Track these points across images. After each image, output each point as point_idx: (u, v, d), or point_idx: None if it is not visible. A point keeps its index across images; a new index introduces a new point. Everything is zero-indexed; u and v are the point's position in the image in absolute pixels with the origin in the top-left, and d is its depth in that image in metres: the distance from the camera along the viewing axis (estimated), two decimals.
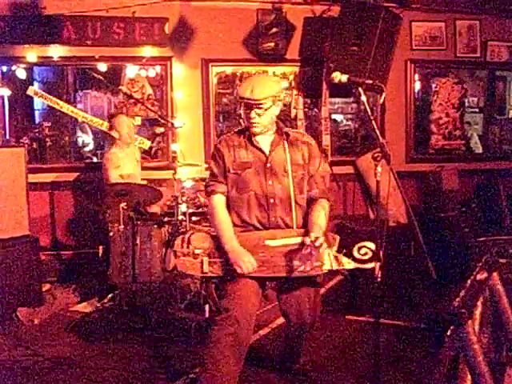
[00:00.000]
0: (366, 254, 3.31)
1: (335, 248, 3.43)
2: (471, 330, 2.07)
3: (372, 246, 3.28)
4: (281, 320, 4.86)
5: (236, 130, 3.64)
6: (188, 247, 3.40)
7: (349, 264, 3.38)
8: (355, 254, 3.34)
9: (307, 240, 3.21)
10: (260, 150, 3.48)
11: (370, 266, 3.26)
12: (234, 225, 3.46)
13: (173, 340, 4.55)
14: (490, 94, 8.33)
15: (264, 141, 3.50)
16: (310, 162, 3.53)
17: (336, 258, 3.38)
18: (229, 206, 3.50)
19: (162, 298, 5.05)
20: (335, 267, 3.39)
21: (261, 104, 3.35)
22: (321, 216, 3.42)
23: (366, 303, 5.06)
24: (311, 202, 3.54)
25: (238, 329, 3.21)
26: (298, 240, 3.33)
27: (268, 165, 3.44)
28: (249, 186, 3.43)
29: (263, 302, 3.53)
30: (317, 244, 3.19)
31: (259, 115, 3.39)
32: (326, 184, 3.66)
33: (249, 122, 3.43)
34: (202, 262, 3.37)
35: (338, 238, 3.48)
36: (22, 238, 5.38)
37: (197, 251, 3.38)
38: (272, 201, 3.41)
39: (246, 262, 3.26)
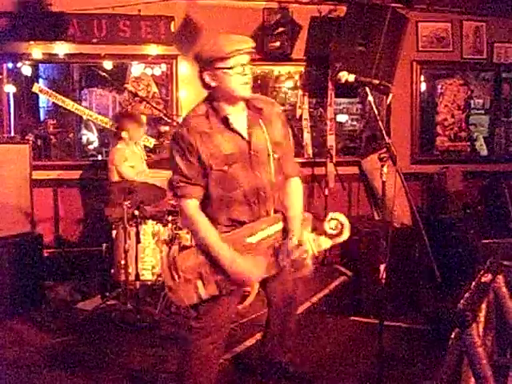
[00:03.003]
0: (336, 227, 3.09)
1: (309, 228, 3.18)
2: (475, 333, 2.06)
3: (341, 216, 3.11)
4: None
5: (198, 110, 2.96)
6: (178, 274, 2.87)
7: (326, 243, 3.12)
8: (327, 229, 3.10)
9: (290, 244, 2.97)
10: (239, 134, 2.93)
11: (342, 239, 3.10)
12: (218, 223, 2.97)
13: (176, 339, 4.55)
14: (496, 96, 8.29)
15: (239, 121, 2.94)
16: (285, 136, 3.13)
17: (314, 240, 3.11)
18: (212, 206, 2.97)
19: (165, 296, 5.04)
20: (316, 251, 3.10)
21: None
22: (299, 203, 3.11)
23: (369, 304, 5.03)
24: (285, 181, 3.16)
25: (219, 334, 3.08)
26: (277, 227, 3.04)
27: (252, 152, 2.93)
28: (237, 182, 2.92)
29: (262, 305, 3.36)
30: (299, 254, 2.97)
31: None
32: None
33: (243, 83, 2.87)
34: (196, 287, 2.88)
35: (310, 216, 3.23)
36: (25, 235, 5.39)
37: (187, 276, 2.87)
38: (263, 194, 2.97)
39: (255, 275, 2.94)
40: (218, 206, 2.95)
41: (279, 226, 3.04)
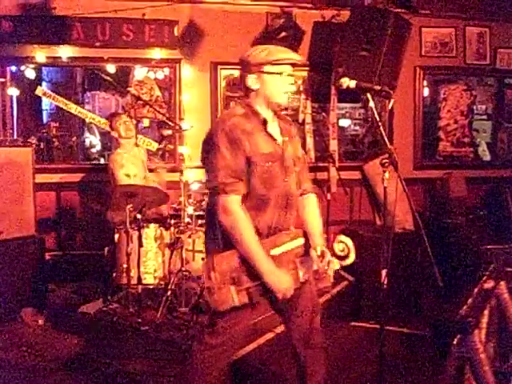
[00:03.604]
0: (343, 250, 3.05)
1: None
2: (478, 339, 2.06)
3: (348, 241, 3.07)
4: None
5: (237, 111, 2.95)
6: (216, 276, 2.72)
7: (336, 264, 3.03)
8: (335, 250, 3.06)
9: (314, 255, 2.92)
10: (274, 139, 2.93)
11: (348, 262, 3.05)
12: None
13: (177, 342, 4.55)
14: (498, 102, 8.30)
15: (273, 128, 2.97)
16: (302, 153, 3.16)
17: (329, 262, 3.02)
18: (247, 209, 2.82)
19: (167, 300, 5.05)
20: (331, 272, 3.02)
21: None
22: (319, 219, 3.12)
23: (371, 309, 5.03)
24: (301, 197, 3.14)
25: (235, 349, 3.02)
26: (298, 242, 2.99)
27: (283, 159, 2.93)
28: (275, 182, 2.87)
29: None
30: (324, 264, 2.89)
31: None
32: None
33: (285, 91, 2.94)
34: (230, 292, 2.73)
35: (301, 231, 3.11)
36: (27, 238, 5.38)
37: (222, 279, 2.73)
38: (290, 201, 2.94)
39: (289, 289, 2.79)
40: (255, 207, 2.86)
41: (300, 241, 2.99)
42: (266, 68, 2.87)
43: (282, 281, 2.76)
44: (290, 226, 2.99)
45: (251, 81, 2.89)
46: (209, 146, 2.87)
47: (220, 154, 2.78)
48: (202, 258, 4.93)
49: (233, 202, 2.76)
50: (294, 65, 2.97)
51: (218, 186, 2.77)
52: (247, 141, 2.79)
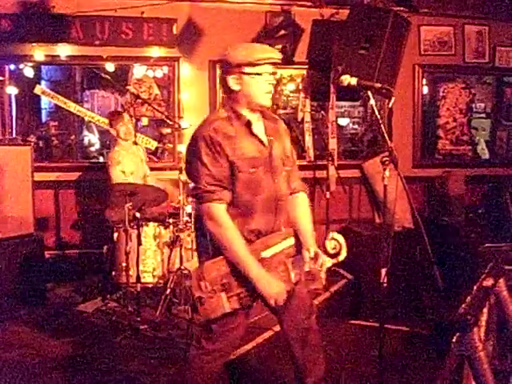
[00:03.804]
0: (335, 247, 2.99)
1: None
2: (477, 337, 2.05)
3: (340, 237, 3.01)
4: None
5: (220, 114, 2.90)
6: (205, 284, 2.74)
7: (328, 262, 3.00)
8: (327, 248, 3.00)
9: (306, 256, 2.88)
10: (260, 140, 2.88)
11: (339, 259, 3.00)
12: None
13: (176, 341, 4.54)
14: (497, 100, 8.30)
15: (258, 129, 2.91)
16: (292, 152, 3.11)
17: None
18: (234, 215, 2.80)
19: (166, 298, 5.04)
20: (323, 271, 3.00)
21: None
22: (310, 219, 3.06)
23: (370, 308, 5.03)
24: (291, 196, 3.09)
25: (231, 353, 3.04)
26: (289, 242, 2.97)
27: (271, 159, 2.89)
28: (260, 187, 2.83)
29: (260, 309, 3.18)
30: (317, 266, 2.88)
31: None
32: None
33: (267, 91, 2.85)
34: (220, 299, 2.74)
35: (291, 231, 3.09)
36: (26, 236, 5.39)
37: (212, 287, 2.75)
38: (280, 203, 2.91)
39: (281, 294, 2.77)
40: (241, 213, 2.83)
41: (291, 241, 2.98)
42: (246, 69, 2.79)
43: (272, 286, 2.74)
44: (281, 227, 2.96)
45: (232, 82, 2.83)
46: (191, 153, 2.84)
47: (201, 162, 2.75)
48: None
49: (218, 209, 2.74)
50: (274, 63, 2.87)
51: (201, 194, 2.76)
52: (230, 145, 2.75)
